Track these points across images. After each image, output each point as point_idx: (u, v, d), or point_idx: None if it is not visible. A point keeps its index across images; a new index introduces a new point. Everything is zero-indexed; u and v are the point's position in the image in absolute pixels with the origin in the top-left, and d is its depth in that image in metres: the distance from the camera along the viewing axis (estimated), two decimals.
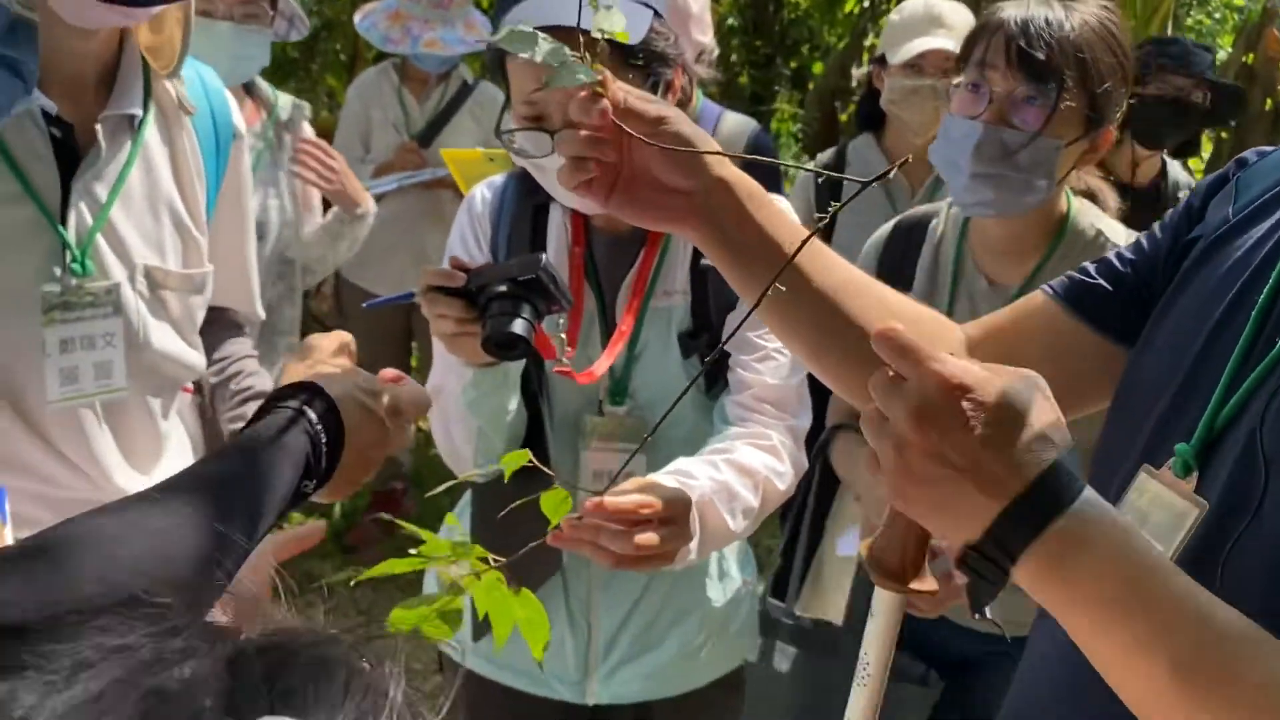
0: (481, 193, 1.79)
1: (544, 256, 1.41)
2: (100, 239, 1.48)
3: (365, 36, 4.00)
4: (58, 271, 1.44)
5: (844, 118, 5.87)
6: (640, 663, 1.73)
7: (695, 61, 2.61)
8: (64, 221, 1.45)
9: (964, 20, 2.76)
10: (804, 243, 1.11)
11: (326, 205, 3.06)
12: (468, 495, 1.79)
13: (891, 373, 0.86)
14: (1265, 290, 1.00)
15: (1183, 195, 2.10)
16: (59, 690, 0.40)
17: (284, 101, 3.02)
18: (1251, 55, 5.54)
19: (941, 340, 1.24)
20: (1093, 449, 1.17)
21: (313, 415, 1.00)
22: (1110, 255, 1.23)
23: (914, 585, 0.89)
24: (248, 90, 2.91)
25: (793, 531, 2.14)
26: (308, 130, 3.07)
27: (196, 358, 1.63)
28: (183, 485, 0.87)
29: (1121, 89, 1.73)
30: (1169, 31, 5.25)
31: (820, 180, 2.93)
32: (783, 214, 1.16)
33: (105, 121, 1.48)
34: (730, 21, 6.39)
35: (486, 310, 1.41)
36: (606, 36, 1.03)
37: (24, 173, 1.42)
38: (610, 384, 1.70)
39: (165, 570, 0.78)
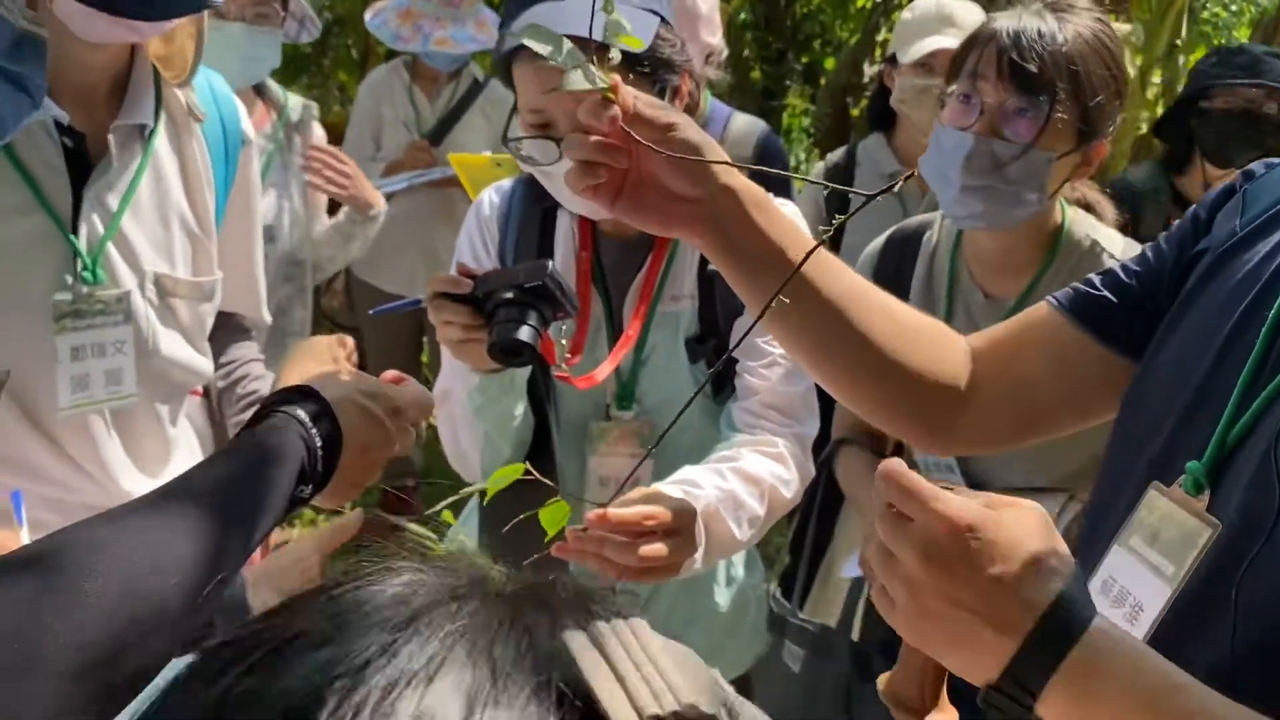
0: (490, 197, 1.80)
1: (550, 263, 1.42)
2: (111, 247, 1.49)
3: (376, 34, 4.01)
4: (69, 280, 1.46)
5: (855, 113, 5.85)
6: None
7: (704, 63, 2.61)
8: (75, 230, 1.46)
9: (976, 19, 2.74)
10: (808, 255, 1.12)
11: (333, 203, 3.07)
12: (474, 502, 1.80)
13: (896, 509, 0.87)
14: (1276, 305, 0.99)
15: None
16: (429, 683, 0.42)
17: (294, 103, 3.03)
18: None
19: (946, 352, 1.24)
20: (1100, 463, 1.17)
21: (307, 419, 1.00)
22: (1115, 267, 1.23)
23: (934, 718, 0.90)
24: (258, 92, 2.92)
25: (799, 536, 2.15)
26: (318, 130, 3.08)
27: (205, 364, 1.64)
28: (175, 495, 0.87)
29: (1115, 102, 1.71)
30: (1184, 24, 5.21)
31: (830, 178, 2.93)
32: (789, 222, 1.16)
33: (116, 131, 1.49)
34: (742, 16, 6.38)
35: (493, 317, 1.42)
36: (617, 45, 1.03)
37: (36, 182, 1.43)
38: (617, 389, 1.70)
39: (161, 581, 0.79)
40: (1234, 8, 7.02)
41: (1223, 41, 6.52)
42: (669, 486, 1.47)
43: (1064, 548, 0.86)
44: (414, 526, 1.21)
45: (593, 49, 1.04)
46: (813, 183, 1.38)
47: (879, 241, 2.01)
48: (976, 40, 1.72)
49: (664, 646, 0.46)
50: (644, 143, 1.05)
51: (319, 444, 0.99)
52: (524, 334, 1.39)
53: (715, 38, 2.64)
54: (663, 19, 1.53)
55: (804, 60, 6.77)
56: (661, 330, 1.70)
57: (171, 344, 1.56)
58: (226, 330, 1.76)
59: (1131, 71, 4.51)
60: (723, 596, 1.79)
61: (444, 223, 3.76)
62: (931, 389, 1.21)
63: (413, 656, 0.42)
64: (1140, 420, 1.11)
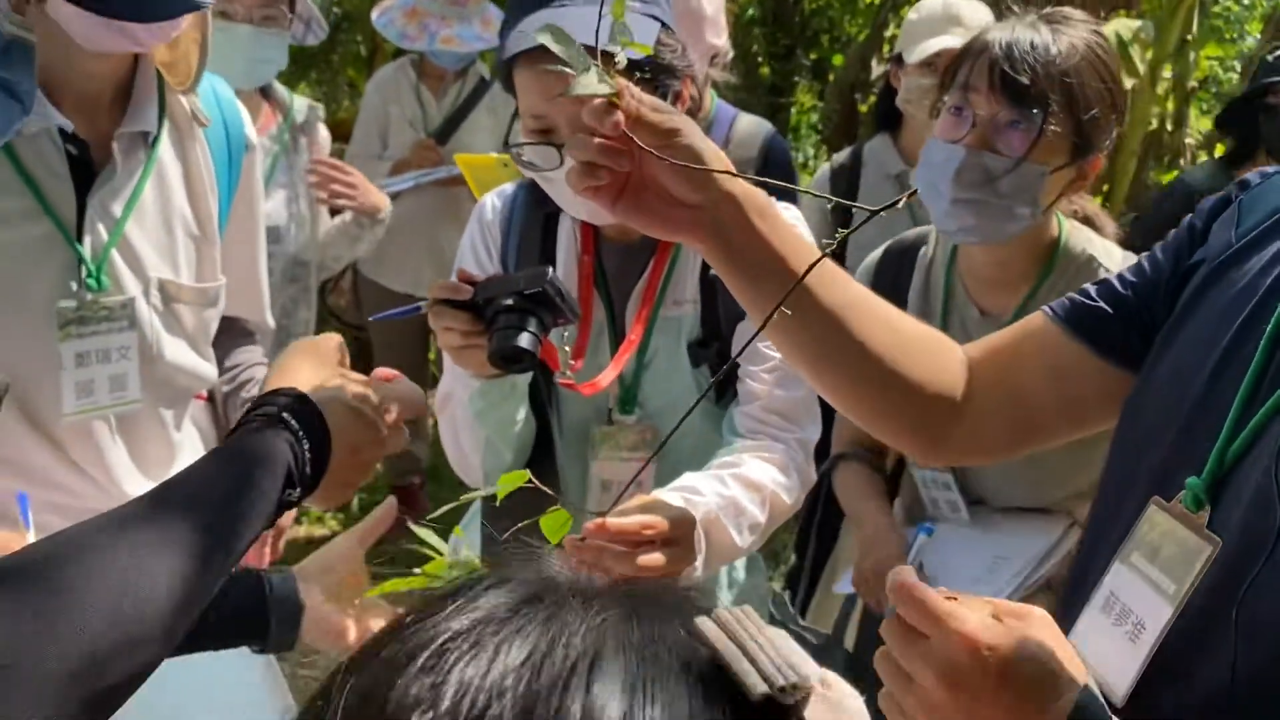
0: (492, 201, 1.80)
1: (550, 270, 1.42)
2: (115, 254, 1.50)
3: (382, 33, 4.02)
4: (73, 286, 1.47)
5: (864, 109, 5.84)
6: None
7: (710, 64, 2.60)
8: (80, 237, 1.47)
9: (983, 19, 2.73)
10: (811, 267, 1.11)
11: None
12: (475, 506, 1.81)
13: (905, 622, 0.89)
14: (1274, 319, 0.98)
15: None
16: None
17: (299, 104, 3.04)
18: None
19: (944, 362, 1.24)
20: (1099, 476, 1.17)
21: (293, 421, 0.99)
22: (1111, 277, 1.23)
23: None
24: (264, 93, 2.93)
25: (803, 536, 2.15)
26: (323, 132, 3.09)
27: (209, 369, 1.65)
28: (162, 503, 0.87)
29: (1111, 116, 1.68)
30: (1195, 18, 5.17)
31: (836, 182, 2.92)
32: (791, 229, 1.16)
33: (120, 139, 1.50)
34: (750, 12, 6.37)
35: (493, 323, 1.42)
36: (622, 50, 1.03)
37: (40, 189, 1.44)
38: (620, 393, 1.71)
39: (149, 591, 0.79)
40: (1246, 1, 6.98)
41: (1234, 36, 6.49)
42: (669, 494, 1.47)
43: (1073, 652, 0.88)
44: (420, 532, 1.22)
45: (598, 55, 1.04)
46: (815, 195, 1.35)
47: (876, 254, 2.00)
48: (969, 52, 1.70)
49: (771, 629, 0.52)
50: (646, 148, 1.05)
51: (306, 446, 0.98)
52: (524, 341, 1.39)
53: (720, 39, 2.63)
54: (664, 24, 1.53)
55: (812, 56, 6.76)
56: (664, 335, 1.70)
57: (176, 349, 1.57)
58: (231, 334, 1.77)
59: (1141, 67, 4.49)
60: (725, 598, 1.80)
61: (451, 221, 3.77)
62: (929, 399, 1.21)
63: (568, 653, 0.48)
64: (1139, 433, 1.10)
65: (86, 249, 1.47)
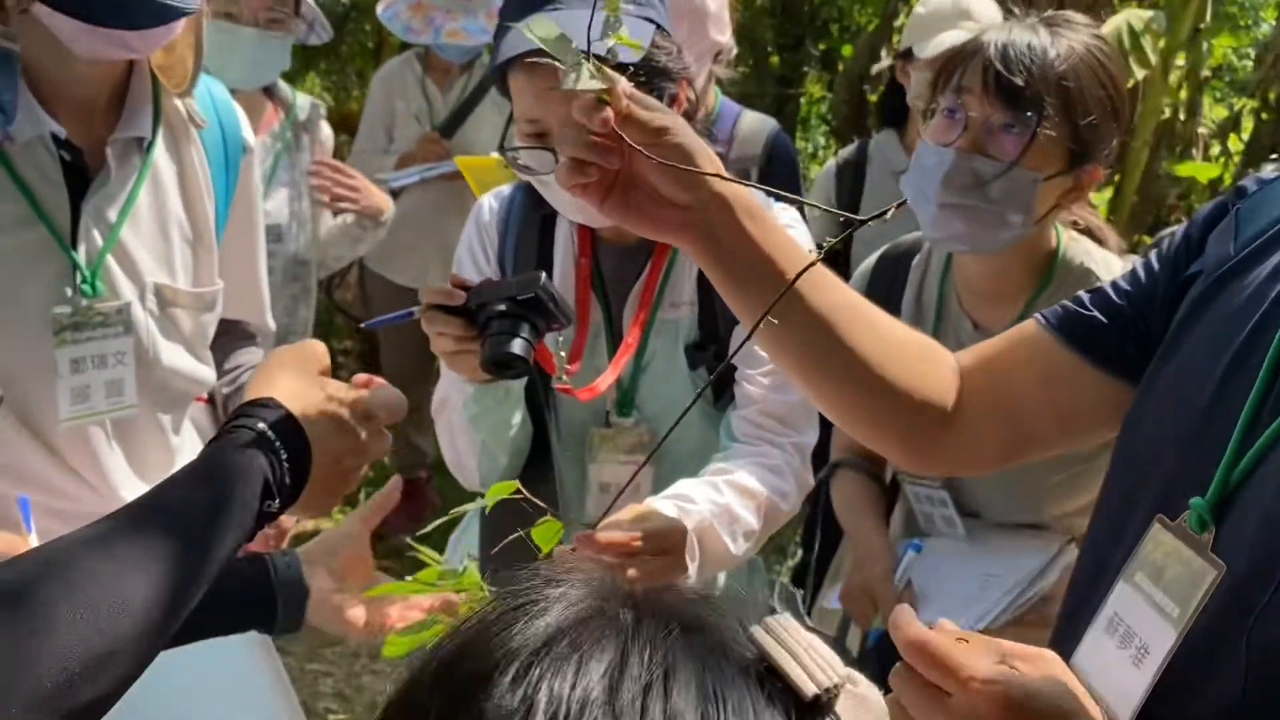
0: (489, 203, 1.80)
1: (543, 275, 1.41)
2: (110, 260, 1.50)
3: (388, 26, 4.00)
4: (68, 292, 1.47)
5: (873, 98, 5.81)
6: None
7: (714, 61, 2.59)
8: (74, 243, 1.47)
9: (993, 14, 2.71)
10: (800, 273, 1.10)
11: None
12: (475, 510, 1.80)
13: (917, 674, 0.88)
14: (1279, 337, 0.95)
15: None
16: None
17: (302, 101, 3.04)
18: None
19: (934, 369, 1.23)
20: (1099, 494, 1.15)
21: (270, 432, 0.98)
22: (1106, 286, 1.21)
23: None
24: (266, 91, 2.93)
25: (809, 536, 2.14)
26: (325, 129, 3.09)
27: (207, 372, 1.65)
28: (139, 520, 0.87)
29: (1112, 124, 1.63)
30: (1208, 7, 5.12)
31: (841, 178, 2.90)
32: (782, 232, 1.15)
33: (114, 144, 1.49)
34: (760, 2, 6.34)
35: (486, 329, 1.42)
36: (615, 48, 1.02)
37: (34, 196, 1.44)
38: (617, 396, 1.70)
39: (126, 608, 0.79)
40: None
41: (1248, 23, 6.43)
42: (662, 502, 1.47)
43: (1082, 690, 0.89)
44: (421, 549, 1.21)
45: (590, 56, 1.03)
46: (807, 203, 1.33)
47: (870, 260, 1.96)
48: (964, 52, 1.65)
49: (814, 637, 0.57)
50: (635, 147, 1.04)
51: (284, 457, 0.97)
52: (516, 347, 1.39)
53: (724, 36, 2.61)
54: (659, 27, 1.52)
55: (821, 47, 6.72)
56: (661, 337, 1.69)
57: (172, 354, 1.58)
58: (230, 336, 1.77)
59: (1153, 58, 4.45)
60: None
61: (457, 216, 3.72)
62: (918, 407, 1.20)
63: (645, 663, 0.52)
64: (1140, 449, 1.08)
65: (81, 255, 1.47)
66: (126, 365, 1.52)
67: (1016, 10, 1.73)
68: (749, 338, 1.12)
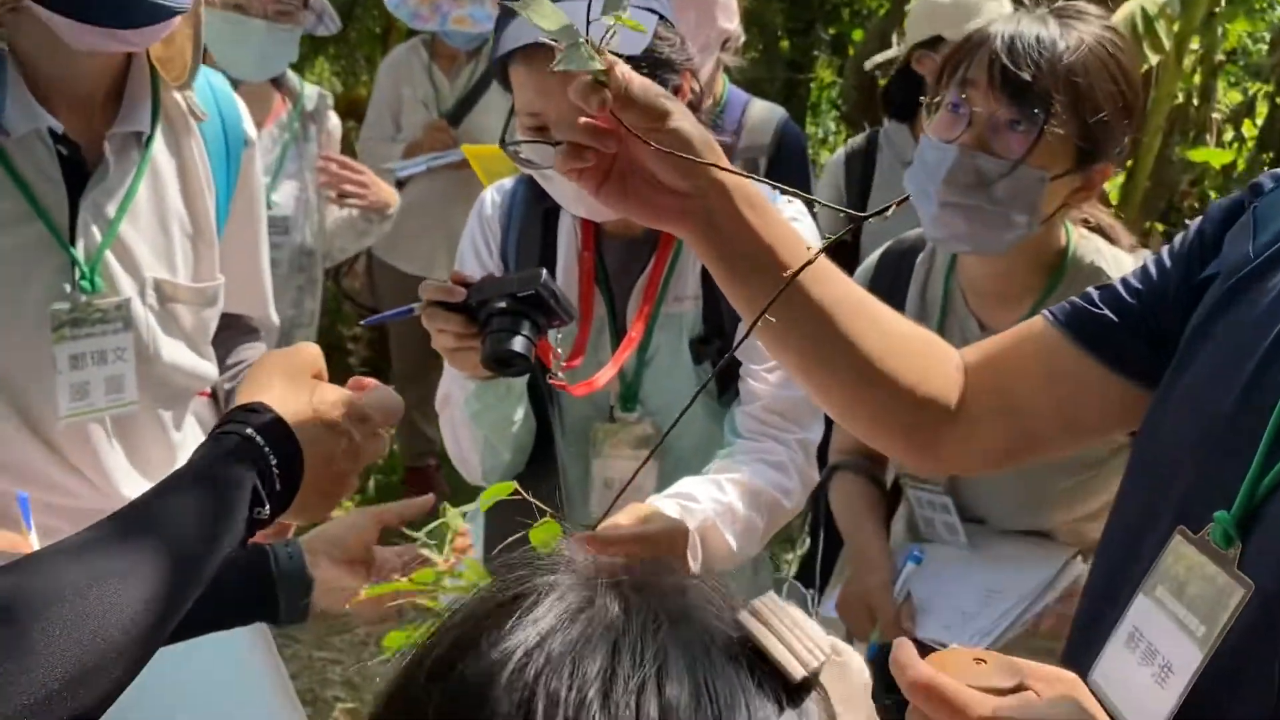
0: (491, 196, 1.78)
1: (544, 272, 1.40)
2: (109, 255, 1.49)
3: (395, 14, 3.99)
4: (67, 289, 1.46)
5: (883, 82, 5.76)
6: None
7: (721, 49, 2.56)
8: (73, 239, 1.46)
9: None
10: (803, 266, 1.08)
11: None
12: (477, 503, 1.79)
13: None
14: None
15: None
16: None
17: (309, 91, 3.03)
18: None
19: (937, 365, 1.21)
20: (1112, 501, 1.13)
21: (259, 438, 0.96)
22: (1116, 283, 1.18)
23: None
24: (274, 81, 2.92)
25: (815, 527, 2.12)
26: (333, 119, 3.08)
27: (208, 368, 1.64)
28: (125, 533, 0.85)
29: (1124, 121, 1.56)
30: None
31: (851, 167, 2.87)
32: (784, 223, 1.12)
33: (112, 138, 1.48)
34: None
35: (486, 326, 1.41)
36: (617, 37, 1.00)
37: (32, 191, 1.43)
38: (621, 391, 1.69)
39: (113, 624, 0.78)
40: None
41: (1264, 7, 6.36)
42: (664, 502, 1.46)
43: (1100, 712, 0.86)
44: (420, 543, 1.20)
45: (589, 39, 1.00)
46: (819, 203, 1.27)
47: (874, 256, 1.90)
48: (969, 44, 1.58)
49: (798, 612, 0.57)
50: (632, 131, 1.01)
51: (274, 464, 0.96)
52: (517, 344, 1.38)
53: (732, 23, 2.58)
54: (662, 17, 1.50)
55: (831, 31, 6.67)
56: (665, 331, 1.68)
57: (173, 350, 1.56)
58: (233, 331, 1.76)
59: (1167, 42, 4.41)
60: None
61: (464, 205, 3.68)
62: (920, 403, 1.17)
63: (636, 659, 0.52)
64: (1159, 457, 1.06)
65: (80, 251, 1.46)
66: (126, 361, 1.51)
67: (1028, 1, 1.67)
68: (749, 333, 1.09)
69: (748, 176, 1.10)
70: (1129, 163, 4.59)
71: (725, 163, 1.07)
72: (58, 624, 0.75)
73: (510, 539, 1.16)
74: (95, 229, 1.48)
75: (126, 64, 1.51)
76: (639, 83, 1.01)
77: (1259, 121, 5.57)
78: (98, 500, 1.53)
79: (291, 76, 3.01)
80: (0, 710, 0.71)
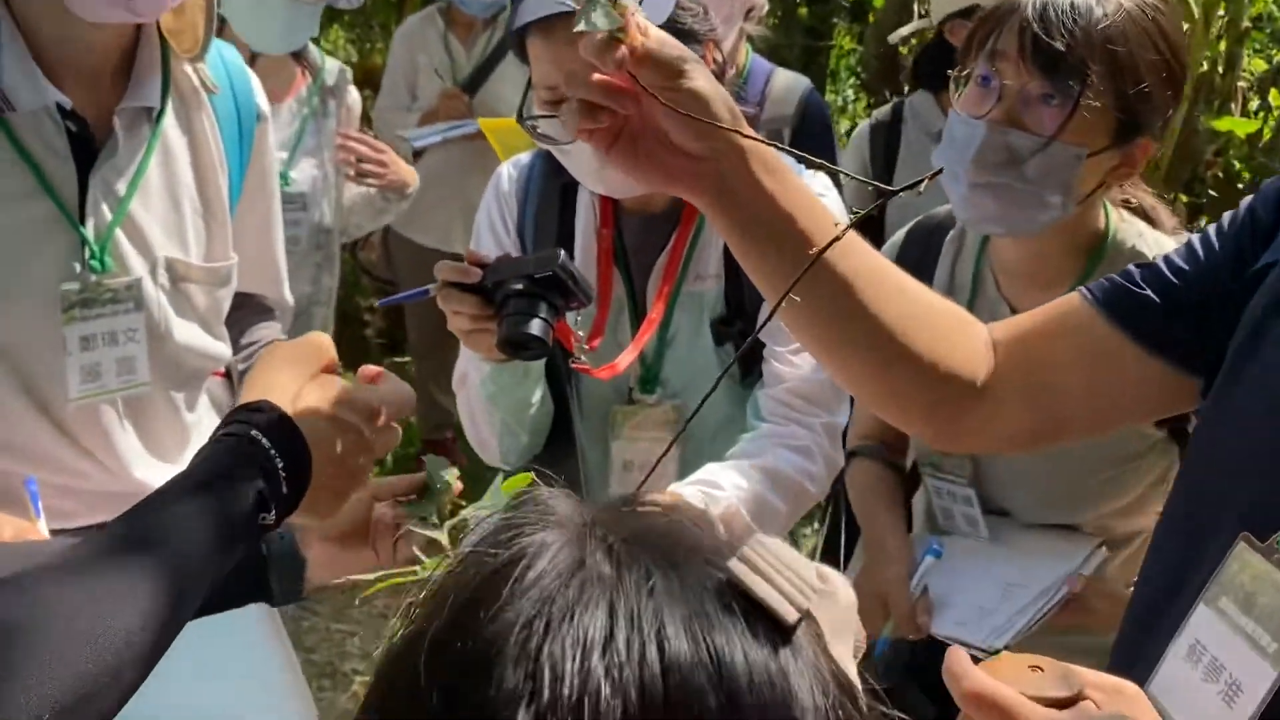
0: (508, 171, 1.75)
1: (561, 253, 1.36)
2: (120, 234, 1.46)
3: None
4: (77, 268, 1.43)
5: (904, 51, 5.68)
6: None
7: (744, 19, 2.51)
8: (82, 218, 1.43)
9: None
10: (829, 245, 1.04)
11: None
12: (496, 483, 1.76)
13: None
14: None
15: None
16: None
17: (330, 66, 2.99)
18: None
19: (964, 340, 1.16)
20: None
21: (265, 439, 0.93)
22: (1159, 261, 1.13)
23: None
24: (295, 55, 2.88)
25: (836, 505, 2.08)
26: (353, 95, 3.04)
27: (222, 348, 1.61)
28: (125, 546, 0.82)
29: (1167, 93, 1.45)
30: None
31: (875, 139, 2.82)
32: (804, 191, 1.06)
33: (122, 113, 1.45)
34: None
35: (503, 308, 1.37)
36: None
37: (40, 168, 1.40)
38: (641, 372, 1.66)
39: (114, 642, 0.76)
40: None
41: None
42: (687, 488, 1.43)
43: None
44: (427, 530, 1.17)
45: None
46: (846, 174, 1.20)
47: (901, 233, 1.80)
48: (997, 12, 1.47)
49: (785, 549, 0.57)
50: (648, 90, 0.95)
51: (280, 466, 0.92)
52: (534, 328, 1.34)
53: None
54: None
55: None
56: (686, 311, 1.65)
57: (185, 330, 1.54)
58: (247, 311, 1.72)
59: (1196, 10, 4.31)
60: None
61: (482, 176, 3.64)
62: (943, 378, 1.12)
63: (634, 621, 0.52)
64: (1221, 458, 1.01)
65: (89, 229, 1.43)
66: (138, 342, 1.49)
67: None
68: (773, 314, 1.05)
69: (771, 144, 1.04)
70: None
71: (744, 125, 1.01)
72: (50, 649, 0.72)
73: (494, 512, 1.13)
74: (105, 207, 1.45)
75: (136, 36, 1.48)
76: (656, 36, 0.96)
77: None
78: (109, 482, 1.51)
79: (313, 50, 2.96)
80: None
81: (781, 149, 1.08)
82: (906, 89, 2.96)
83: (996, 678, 0.80)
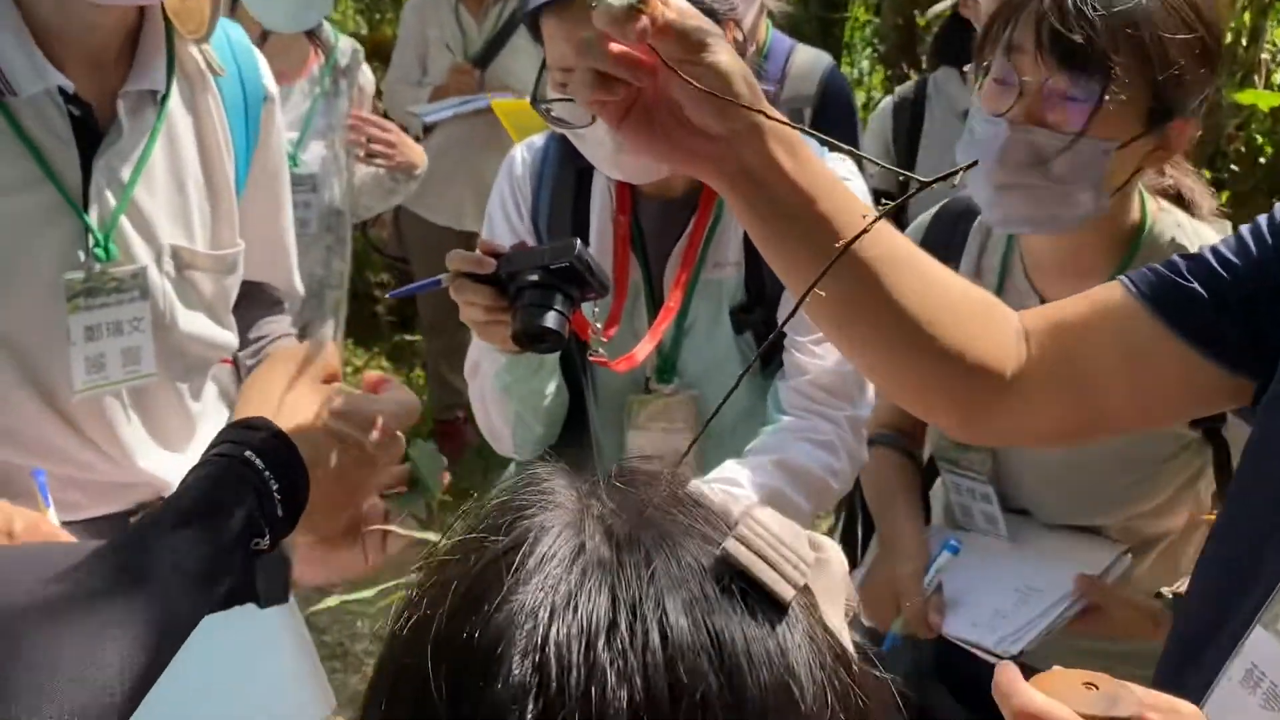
0: (521, 154, 1.70)
1: (577, 243, 1.32)
2: (124, 221, 1.42)
3: None
4: (81, 256, 1.39)
5: (923, 22, 5.60)
6: None
7: None
8: (86, 205, 1.39)
9: None
10: (858, 235, 0.98)
11: None
12: (510, 470, 1.74)
13: None
14: None
15: None
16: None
17: (344, 45, 2.94)
18: None
19: (994, 329, 1.11)
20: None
21: (258, 462, 0.89)
22: (1206, 252, 1.08)
23: None
24: (308, 34, 2.83)
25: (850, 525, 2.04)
26: (365, 75, 3.00)
27: (229, 337, 1.58)
28: (106, 574, 0.79)
29: (1200, 70, 1.36)
30: None
31: (899, 117, 2.75)
32: (825, 173, 1.01)
33: (126, 98, 1.41)
34: None
35: (517, 299, 1.33)
36: None
37: (42, 154, 1.36)
38: (658, 361, 1.62)
39: (93, 684, 0.72)
40: None
41: None
42: (707, 488, 1.39)
43: None
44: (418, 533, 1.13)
45: None
46: (871, 160, 1.14)
47: (925, 217, 1.72)
48: (1009, 4, 1.39)
49: (778, 522, 0.58)
50: (667, 64, 0.90)
51: (275, 487, 0.89)
52: (550, 320, 1.30)
53: None
54: None
55: None
56: (704, 299, 1.61)
57: (192, 320, 1.50)
58: (254, 302, 1.68)
59: None
60: None
61: (493, 152, 3.63)
62: (970, 369, 1.07)
63: (635, 607, 0.52)
64: (1277, 474, 0.97)
65: (93, 217, 1.39)
66: (143, 332, 1.45)
67: None
68: (798, 307, 1.00)
69: (793, 126, 0.98)
70: None
71: (765, 104, 0.96)
72: (21, 706, 0.69)
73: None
74: (109, 194, 1.41)
75: (140, 18, 1.43)
76: (678, 7, 0.91)
77: None
78: (115, 474, 1.48)
79: (326, 28, 2.92)
80: None
81: (805, 131, 1.03)
82: (925, 64, 2.89)
83: (1050, 694, 0.76)
